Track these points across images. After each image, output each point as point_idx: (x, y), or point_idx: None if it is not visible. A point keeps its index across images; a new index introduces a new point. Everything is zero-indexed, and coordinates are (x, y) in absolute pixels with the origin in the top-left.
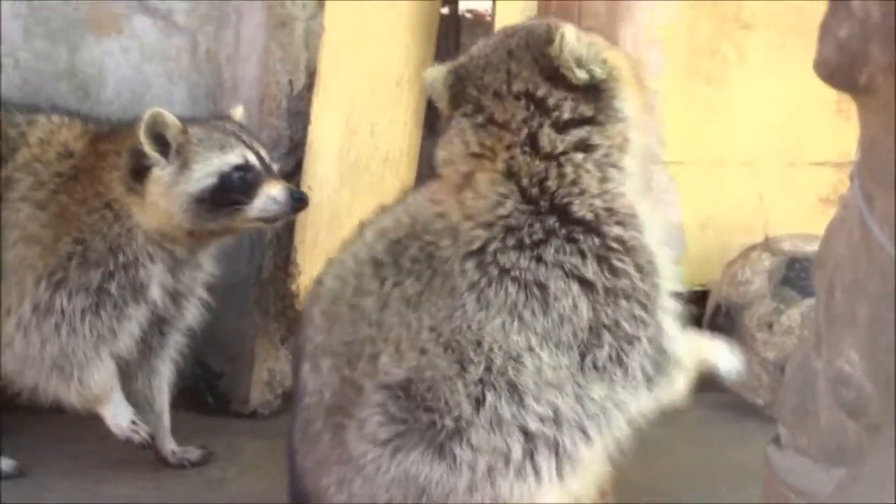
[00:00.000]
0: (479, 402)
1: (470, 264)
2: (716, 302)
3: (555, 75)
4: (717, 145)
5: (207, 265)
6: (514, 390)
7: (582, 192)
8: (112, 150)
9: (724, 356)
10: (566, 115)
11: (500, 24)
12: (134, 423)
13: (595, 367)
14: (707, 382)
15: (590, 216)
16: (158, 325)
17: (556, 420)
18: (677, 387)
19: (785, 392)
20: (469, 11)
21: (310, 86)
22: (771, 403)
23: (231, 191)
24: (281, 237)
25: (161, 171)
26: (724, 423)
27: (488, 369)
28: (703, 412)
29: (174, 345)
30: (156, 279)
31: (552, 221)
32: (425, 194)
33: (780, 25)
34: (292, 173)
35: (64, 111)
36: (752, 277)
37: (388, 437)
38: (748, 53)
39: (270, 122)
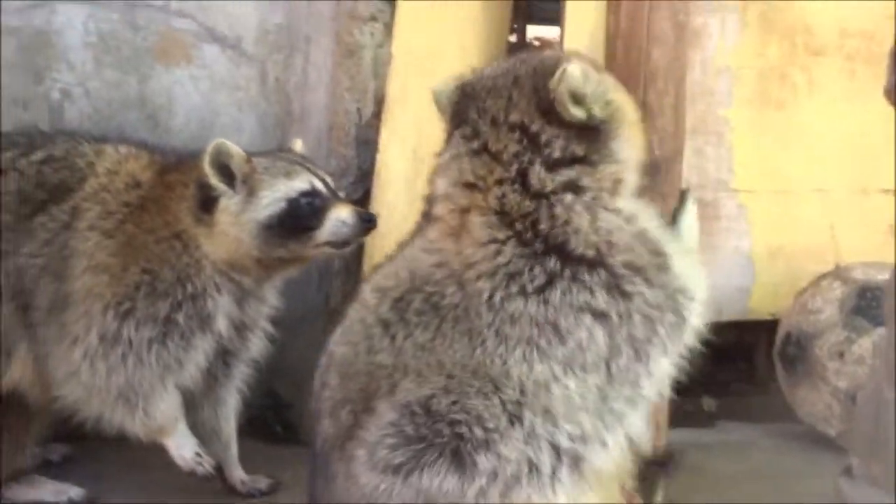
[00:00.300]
0: (517, 419)
1: (483, 309)
2: (786, 331)
3: (551, 110)
4: (787, 173)
5: (272, 298)
6: (548, 413)
7: (576, 231)
8: (180, 181)
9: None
10: (556, 154)
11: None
12: (198, 454)
13: (619, 371)
14: (779, 413)
15: (591, 253)
16: (223, 356)
17: (583, 437)
18: (698, 322)
19: (857, 422)
20: (536, 38)
21: (378, 114)
22: (843, 434)
23: (300, 216)
24: (349, 266)
25: (229, 201)
26: (796, 453)
27: (523, 393)
28: (775, 443)
29: (239, 375)
30: (222, 310)
31: (553, 263)
32: (420, 244)
33: (850, 52)
34: (360, 201)
35: (131, 142)
36: (822, 306)
37: (402, 461)
38: (818, 80)
39: (339, 151)
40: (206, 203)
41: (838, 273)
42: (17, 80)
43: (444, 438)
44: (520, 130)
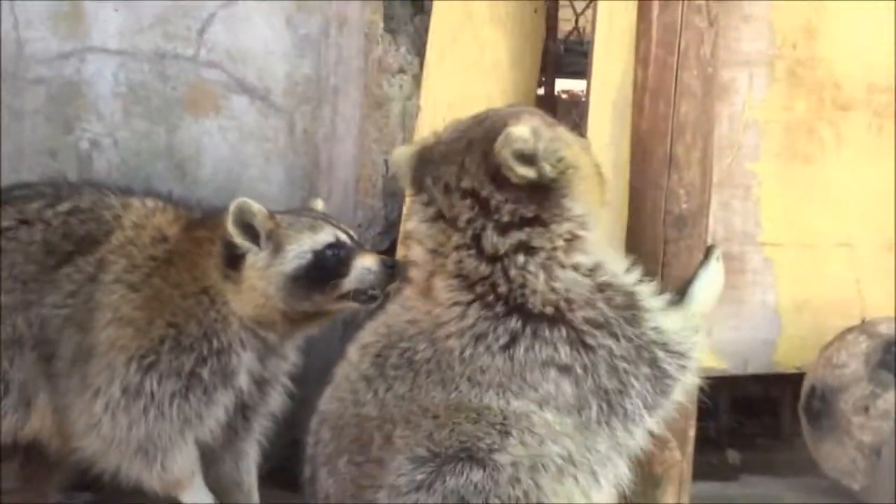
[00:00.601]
0: (506, 434)
1: (454, 363)
2: (811, 384)
3: (500, 173)
4: (813, 227)
5: (293, 355)
6: (533, 433)
7: (533, 291)
8: (206, 237)
9: (716, 285)
10: (506, 218)
11: (594, 104)
12: None
13: (595, 422)
14: (804, 467)
15: (550, 310)
16: (243, 410)
17: (572, 461)
18: (690, 376)
19: (881, 476)
20: (564, 92)
21: None
22: (867, 488)
23: (326, 267)
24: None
25: (255, 257)
26: None
27: (505, 417)
28: (799, 497)
29: (259, 429)
30: (245, 366)
31: (514, 322)
32: (398, 302)
33: (878, 107)
34: (387, 252)
35: (157, 195)
36: (848, 360)
37: (423, 476)
38: (845, 135)
39: (366, 202)
40: (233, 260)
41: (864, 327)
42: (47, 130)
43: (455, 452)
44: (471, 196)
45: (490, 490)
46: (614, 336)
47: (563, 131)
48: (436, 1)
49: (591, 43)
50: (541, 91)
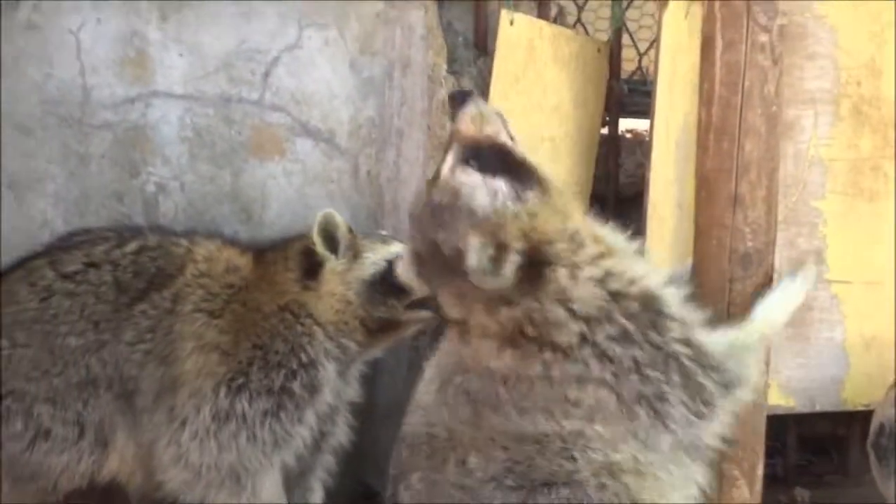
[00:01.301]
0: (572, 459)
1: (502, 390)
2: (880, 422)
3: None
4: (879, 264)
5: (356, 385)
6: (591, 448)
7: (557, 326)
8: (279, 257)
9: (786, 302)
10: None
11: (657, 143)
12: None
13: (650, 427)
14: None
15: (575, 340)
16: (316, 440)
17: (639, 462)
18: (740, 392)
19: None
20: (628, 131)
21: None
22: None
23: (390, 274)
24: None
25: (334, 264)
26: None
27: (563, 441)
28: None
29: (327, 464)
30: (330, 380)
31: (547, 354)
32: (450, 341)
33: None
34: None
35: (218, 235)
36: None
37: (516, 500)
38: None
39: None
40: (312, 269)
41: None
42: (113, 174)
43: (540, 484)
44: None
45: (582, 499)
46: (637, 344)
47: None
48: (499, 42)
49: (654, 82)
50: (605, 131)
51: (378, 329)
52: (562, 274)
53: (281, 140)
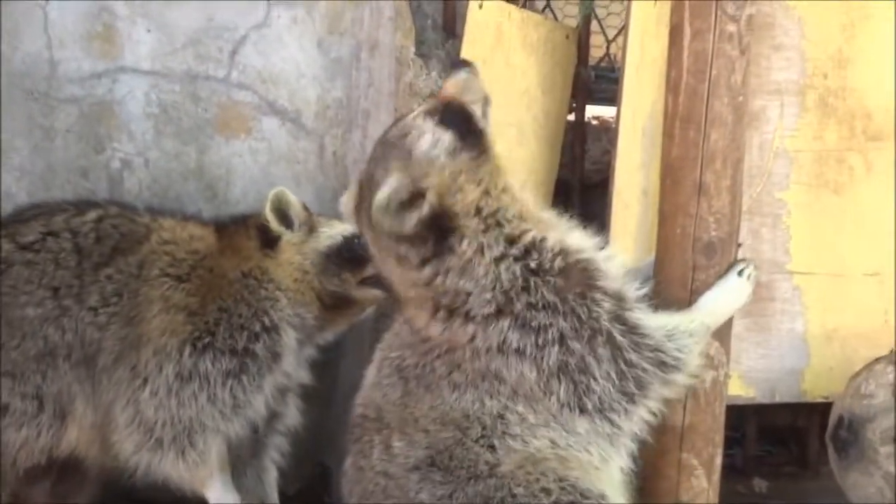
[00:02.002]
0: (492, 448)
1: (438, 363)
2: (839, 414)
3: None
4: (843, 256)
5: (305, 368)
6: (511, 436)
7: (467, 295)
8: (242, 227)
9: (732, 297)
10: (416, 261)
11: (623, 130)
12: None
13: (567, 408)
14: (831, 497)
15: (493, 308)
16: (265, 423)
17: (558, 444)
18: (676, 376)
19: None
20: (595, 118)
21: None
22: None
23: (353, 250)
24: None
25: (291, 235)
26: None
27: (483, 427)
28: None
29: (279, 444)
30: (291, 348)
31: (469, 326)
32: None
33: None
34: None
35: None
36: (875, 391)
37: (444, 492)
38: (875, 165)
39: None
40: (269, 243)
41: (892, 357)
42: (78, 149)
43: (465, 479)
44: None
45: (507, 485)
46: (561, 315)
47: (424, 158)
48: (468, 26)
49: (621, 70)
50: (571, 117)
51: (332, 304)
52: (466, 247)
53: (247, 118)
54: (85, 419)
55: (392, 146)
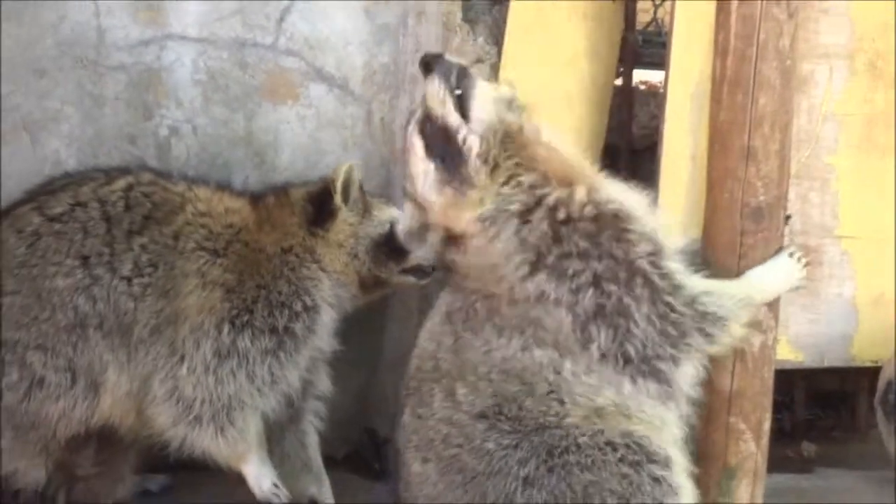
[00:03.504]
0: (561, 402)
1: (479, 305)
2: (888, 379)
3: None
4: (891, 220)
5: (333, 340)
6: (578, 394)
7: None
8: (284, 201)
9: (779, 276)
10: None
11: (673, 95)
12: (276, 485)
13: (610, 358)
14: (878, 461)
15: (530, 260)
16: (303, 389)
17: (618, 406)
18: (714, 330)
19: None
20: (642, 83)
21: None
22: None
23: (395, 237)
24: None
25: (349, 213)
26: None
27: (549, 384)
28: (874, 490)
29: (316, 408)
30: (326, 327)
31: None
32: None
33: None
34: None
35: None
36: None
37: (510, 441)
38: None
39: None
40: (322, 217)
41: None
42: (127, 116)
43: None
44: None
45: (573, 433)
46: (595, 258)
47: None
48: None
49: (669, 34)
50: (619, 82)
51: (371, 286)
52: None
53: (295, 85)
54: (118, 389)
55: (405, 151)
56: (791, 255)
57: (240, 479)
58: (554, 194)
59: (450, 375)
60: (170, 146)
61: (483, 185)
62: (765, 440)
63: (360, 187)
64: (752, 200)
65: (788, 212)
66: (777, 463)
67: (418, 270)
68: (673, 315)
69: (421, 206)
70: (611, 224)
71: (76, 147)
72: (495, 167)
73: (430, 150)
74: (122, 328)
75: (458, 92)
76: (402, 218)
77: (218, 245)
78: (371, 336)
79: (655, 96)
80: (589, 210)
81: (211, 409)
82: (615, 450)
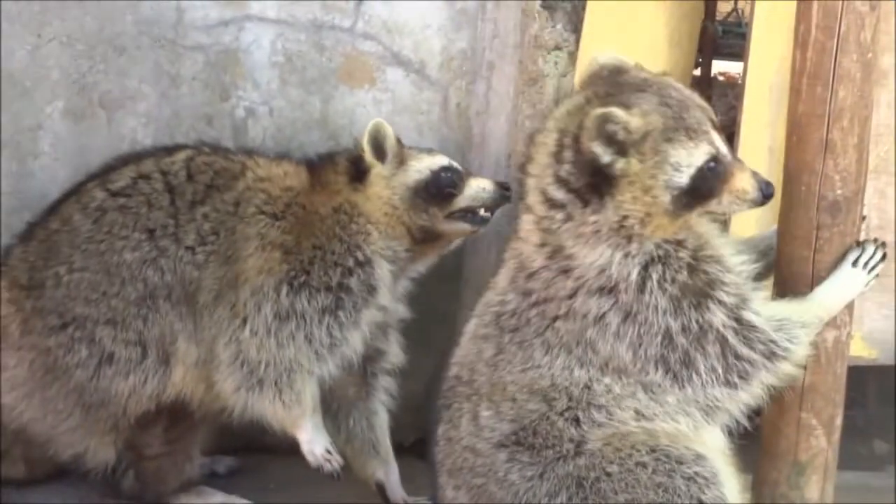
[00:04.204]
0: (576, 422)
1: (533, 312)
2: None
3: None
4: None
5: (403, 302)
6: (596, 407)
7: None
8: (330, 163)
9: (846, 289)
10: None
11: (751, 86)
12: (328, 451)
13: (658, 386)
14: None
15: (606, 286)
16: (370, 364)
17: (644, 415)
18: (783, 366)
19: None
20: (721, 73)
21: None
22: None
23: (442, 183)
24: None
25: (381, 169)
26: None
27: (570, 398)
28: None
29: (386, 385)
30: (385, 281)
31: (579, 299)
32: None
33: None
34: None
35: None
36: None
37: (533, 472)
38: None
39: (518, 177)
40: (359, 174)
41: None
42: (204, 97)
43: (551, 459)
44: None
45: (599, 465)
46: (672, 315)
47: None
48: None
49: (749, 25)
50: (697, 72)
51: (422, 238)
52: (604, 219)
53: (371, 69)
54: (188, 357)
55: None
56: (854, 263)
57: (304, 461)
58: (664, 246)
59: (479, 393)
60: (246, 128)
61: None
62: (836, 436)
63: (398, 141)
64: (829, 194)
65: (864, 211)
66: (848, 460)
67: (468, 213)
68: (741, 363)
69: (636, 134)
70: (698, 291)
71: (153, 127)
72: None
73: None
74: (189, 297)
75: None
76: (622, 114)
77: (277, 208)
78: (442, 321)
79: (734, 87)
80: (682, 276)
81: (274, 373)
82: (646, 467)
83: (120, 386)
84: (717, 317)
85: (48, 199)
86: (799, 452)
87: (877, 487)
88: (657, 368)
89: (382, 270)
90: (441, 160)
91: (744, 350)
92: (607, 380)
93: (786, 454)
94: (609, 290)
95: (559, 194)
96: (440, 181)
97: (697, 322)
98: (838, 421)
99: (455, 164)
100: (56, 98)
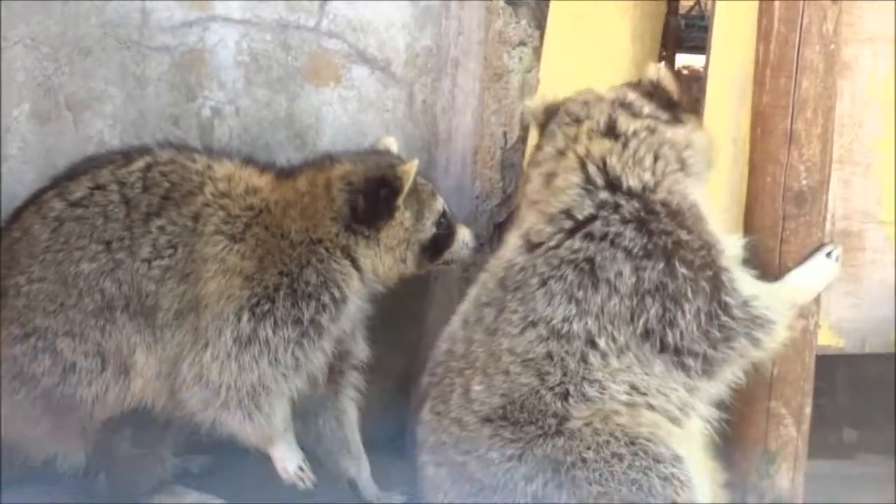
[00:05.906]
0: (565, 398)
1: (540, 260)
2: None
3: None
4: None
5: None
6: (589, 382)
7: (636, 164)
8: (318, 187)
9: (818, 276)
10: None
11: (714, 79)
12: (301, 468)
13: (646, 333)
14: None
15: (637, 185)
16: (337, 361)
17: (638, 390)
18: (761, 334)
19: None
20: (685, 67)
21: (524, 138)
22: None
23: (441, 237)
24: None
25: (404, 216)
26: None
27: (565, 373)
28: None
29: (355, 381)
30: (352, 314)
31: (604, 195)
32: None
33: None
34: (504, 225)
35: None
36: None
37: (513, 452)
38: None
39: (484, 174)
40: (375, 214)
41: None
42: (170, 97)
43: (533, 435)
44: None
45: (576, 448)
46: (684, 229)
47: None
48: None
49: (711, 18)
50: (661, 66)
51: (408, 277)
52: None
53: (337, 67)
54: (147, 369)
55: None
56: (828, 254)
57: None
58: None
59: (473, 367)
60: (212, 127)
61: None
62: (805, 425)
63: (415, 181)
64: (794, 185)
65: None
66: (817, 449)
67: (447, 262)
68: (723, 318)
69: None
70: (695, 216)
71: (120, 128)
72: None
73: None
74: (146, 310)
75: None
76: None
77: (236, 229)
78: (412, 320)
79: (697, 80)
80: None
81: (237, 395)
82: (622, 459)
83: (84, 393)
84: (722, 254)
85: (16, 201)
86: (769, 441)
87: (847, 475)
88: (654, 299)
89: (355, 307)
90: (439, 205)
91: (730, 300)
92: (601, 342)
93: (755, 443)
94: (636, 192)
95: None
96: (440, 233)
97: (701, 246)
98: (807, 410)
99: (446, 209)
100: (22, 101)
